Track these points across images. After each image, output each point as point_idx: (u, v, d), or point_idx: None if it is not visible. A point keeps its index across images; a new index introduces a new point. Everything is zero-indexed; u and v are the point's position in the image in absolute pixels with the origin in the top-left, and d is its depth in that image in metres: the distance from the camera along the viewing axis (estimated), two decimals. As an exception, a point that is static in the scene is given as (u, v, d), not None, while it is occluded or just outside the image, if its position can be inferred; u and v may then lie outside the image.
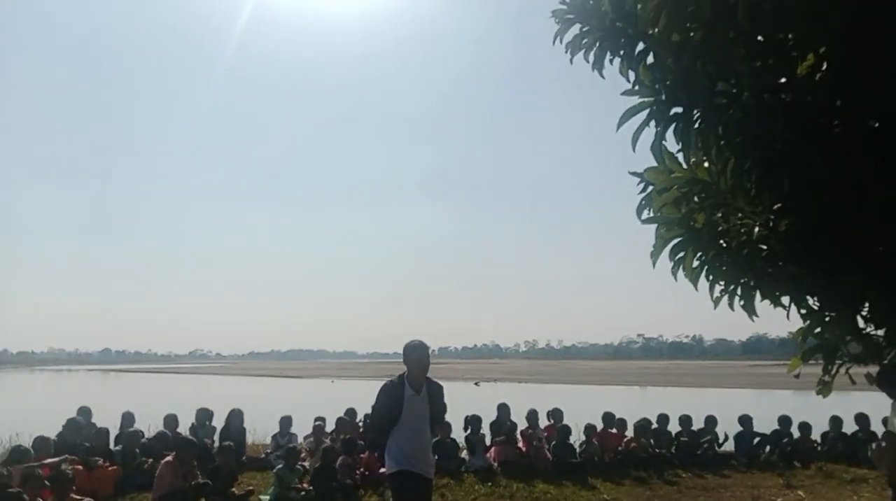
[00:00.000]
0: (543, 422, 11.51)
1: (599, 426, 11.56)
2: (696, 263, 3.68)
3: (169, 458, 8.40)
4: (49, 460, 8.33)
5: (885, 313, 3.73)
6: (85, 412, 10.93)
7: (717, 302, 3.90)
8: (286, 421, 11.77)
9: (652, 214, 4.22)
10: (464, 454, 10.70)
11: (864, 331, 3.90)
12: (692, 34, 3.41)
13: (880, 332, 3.85)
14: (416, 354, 5.83)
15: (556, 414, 11.58)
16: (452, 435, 10.84)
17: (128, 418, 11.18)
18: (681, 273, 3.98)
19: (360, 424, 11.83)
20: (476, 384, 57.27)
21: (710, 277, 3.58)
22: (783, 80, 3.56)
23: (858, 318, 3.81)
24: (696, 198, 3.56)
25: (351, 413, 12.22)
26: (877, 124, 3.54)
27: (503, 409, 11.69)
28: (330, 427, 11.63)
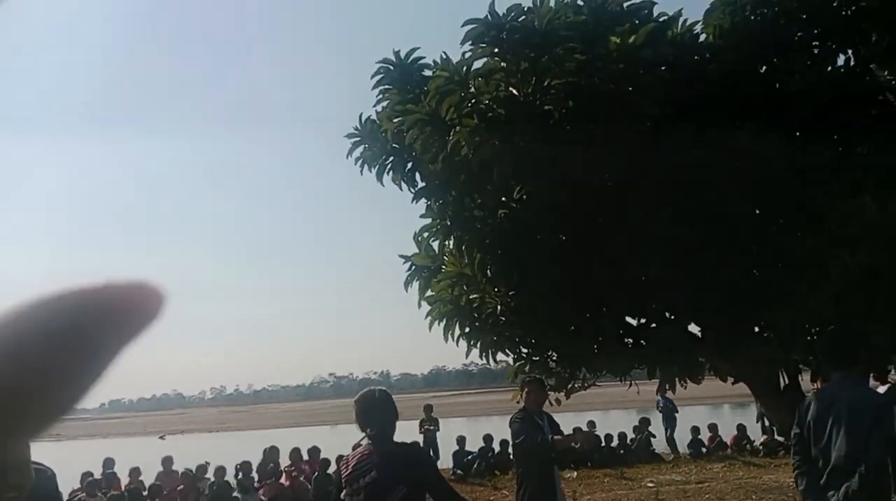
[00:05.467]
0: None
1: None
2: (458, 330, 5.35)
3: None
4: None
5: (567, 359, 5.77)
6: None
7: (467, 353, 5.62)
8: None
9: (419, 291, 5.84)
10: (235, 493, 11.58)
11: (554, 370, 5.95)
12: (461, 177, 5.09)
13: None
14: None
15: (314, 452, 13.15)
16: (227, 478, 11.84)
17: None
18: (437, 327, 5.66)
19: None
20: (161, 438, 53.22)
21: (471, 339, 5.27)
22: (504, 199, 5.46)
23: (552, 362, 5.84)
24: (464, 286, 5.23)
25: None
26: (563, 237, 5.59)
27: (271, 452, 13.00)
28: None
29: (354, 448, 3.72)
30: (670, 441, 15.08)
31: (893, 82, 6.07)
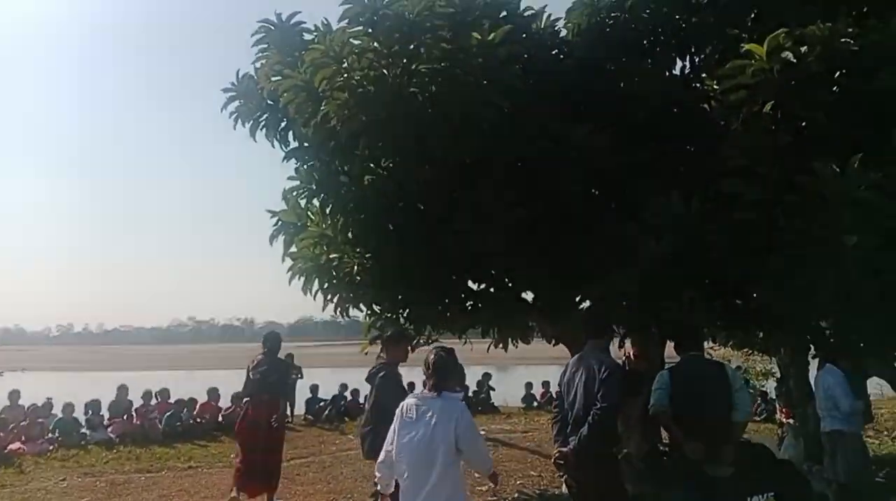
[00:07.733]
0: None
1: (203, 399, 13.46)
2: (316, 285, 5.76)
3: None
4: None
5: (414, 317, 6.34)
6: None
7: (324, 307, 6.06)
8: None
9: (283, 245, 6.18)
10: (84, 430, 11.48)
11: (402, 326, 6.50)
12: (331, 144, 5.43)
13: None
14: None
15: (164, 393, 13.14)
16: (75, 415, 11.62)
17: None
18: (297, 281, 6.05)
19: None
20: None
21: (328, 295, 5.70)
22: (371, 165, 5.87)
23: (402, 319, 6.39)
24: (325, 246, 5.63)
25: None
26: (420, 207, 6.08)
27: (122, 390, 12.86)
28: None
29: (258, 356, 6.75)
30: None
31: (717, 93, 6.86)
